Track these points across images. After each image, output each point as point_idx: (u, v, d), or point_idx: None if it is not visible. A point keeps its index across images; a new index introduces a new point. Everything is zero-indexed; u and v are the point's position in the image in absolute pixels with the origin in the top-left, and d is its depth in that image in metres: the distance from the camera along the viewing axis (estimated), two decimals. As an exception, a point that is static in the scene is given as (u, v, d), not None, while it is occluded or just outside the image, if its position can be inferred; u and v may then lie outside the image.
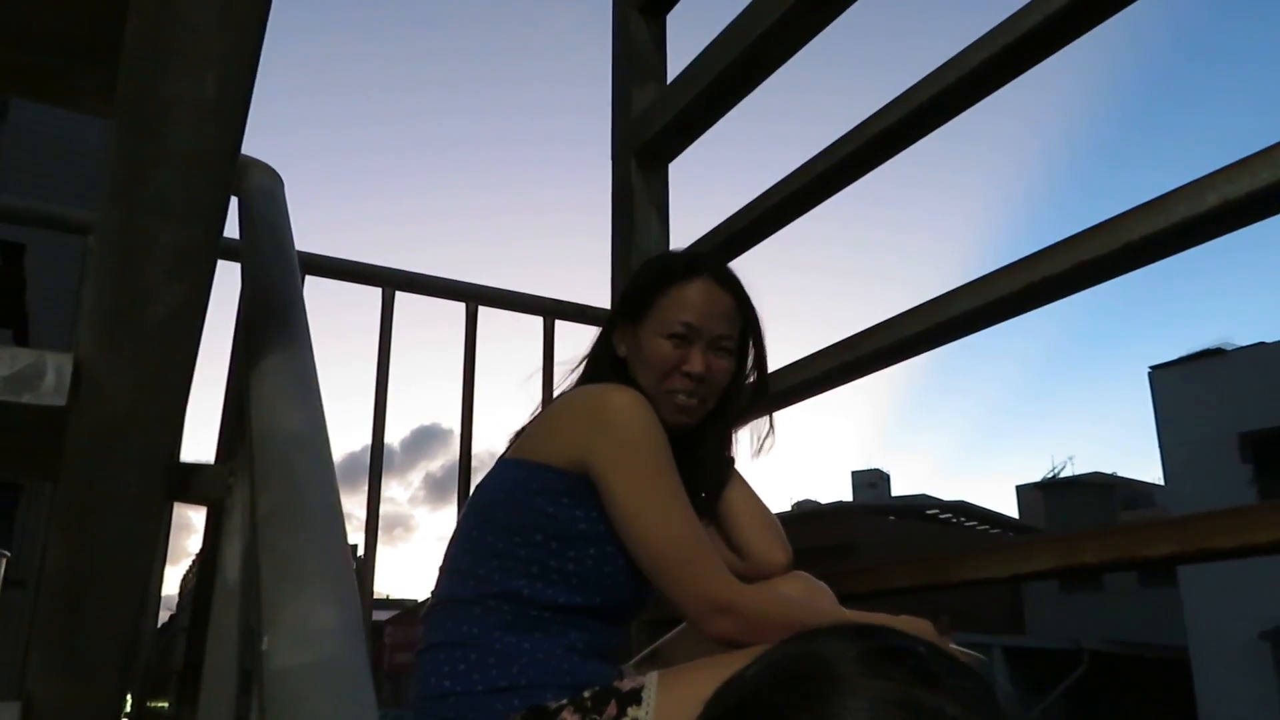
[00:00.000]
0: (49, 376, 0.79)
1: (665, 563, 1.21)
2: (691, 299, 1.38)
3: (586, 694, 1.14)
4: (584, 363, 1.48)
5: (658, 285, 1.41)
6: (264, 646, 0.58)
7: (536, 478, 1.28)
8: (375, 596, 2.30)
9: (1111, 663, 15.75)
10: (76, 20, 0.82)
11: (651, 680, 1.12)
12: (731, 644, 1.17)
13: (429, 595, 1.37)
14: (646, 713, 1.09)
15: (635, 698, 1.11)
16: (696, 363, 1.36)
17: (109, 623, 0.95)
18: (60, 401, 0.79)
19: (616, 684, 1.14)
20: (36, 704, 1.02)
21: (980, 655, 1.32)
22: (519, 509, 1.27)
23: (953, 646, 1.22)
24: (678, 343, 1.37)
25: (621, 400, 1.28)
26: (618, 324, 1.45)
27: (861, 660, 0.53)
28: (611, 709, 1.10)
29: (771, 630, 1.06)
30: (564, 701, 1.14)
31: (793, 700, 0.52)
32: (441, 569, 1.35)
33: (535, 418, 1.42)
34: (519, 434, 1.42)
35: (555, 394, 1.49)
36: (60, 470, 0.87)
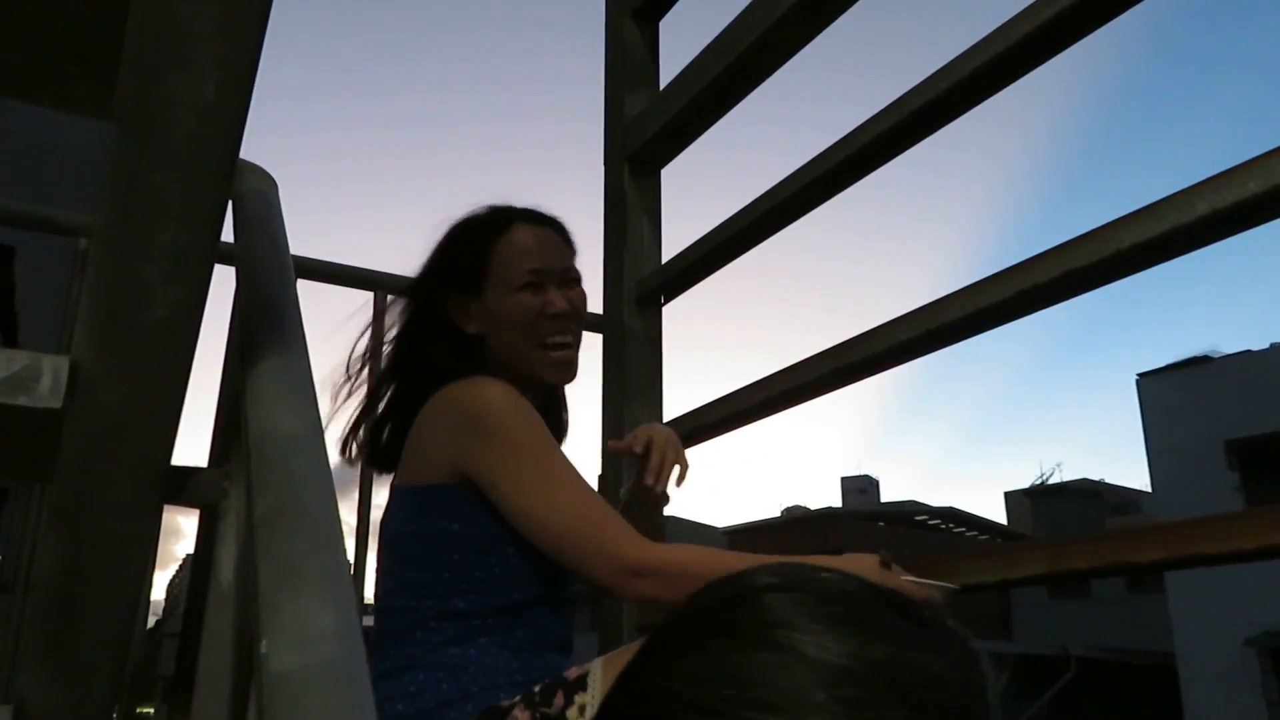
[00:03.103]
0: (45, 379, 0.79)
1: (567, 541, 1.17)
2: (523, 245, 1.35)
3: (536, 689, 1.13)
4: (407, 358, 1.39)
5: (481, 249, 1.36)
6: (263, 649, 0.59)
7: (432, 500, 1.25)
8: (365, 602, 2.29)
9: (1099, 669, 15.81)
10: (74, 23, 0.82)
11: (596, 665, 1.12)
12: (659, 606, 1.14)
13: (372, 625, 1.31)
14: (593, 697, 1.08)
15: (581, 684, 1.10)
16: (558, 301, 1.33)
17: (102, 626, 0.95)
18: (56, 404, 0.79)
19: (565, 674, 1.13)
20: (29, 708, 1.01)
21: (950, 584, 1.27)
22: (429, 540, 1.24)
23: (906, 578, 1.20)
24: (533, 291, 1.33)
25: (483, 395, 1.24)
26: (451, 303, 1.37)
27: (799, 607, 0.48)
28: (559, 699, 1.10)
29: (695, 582, 1.06)
30: (516, 699, 1.13)
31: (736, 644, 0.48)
32: (375, 605, 1.30)
33: (409, 436, 1.33)
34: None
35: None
36: (55, 473, 0.87)
